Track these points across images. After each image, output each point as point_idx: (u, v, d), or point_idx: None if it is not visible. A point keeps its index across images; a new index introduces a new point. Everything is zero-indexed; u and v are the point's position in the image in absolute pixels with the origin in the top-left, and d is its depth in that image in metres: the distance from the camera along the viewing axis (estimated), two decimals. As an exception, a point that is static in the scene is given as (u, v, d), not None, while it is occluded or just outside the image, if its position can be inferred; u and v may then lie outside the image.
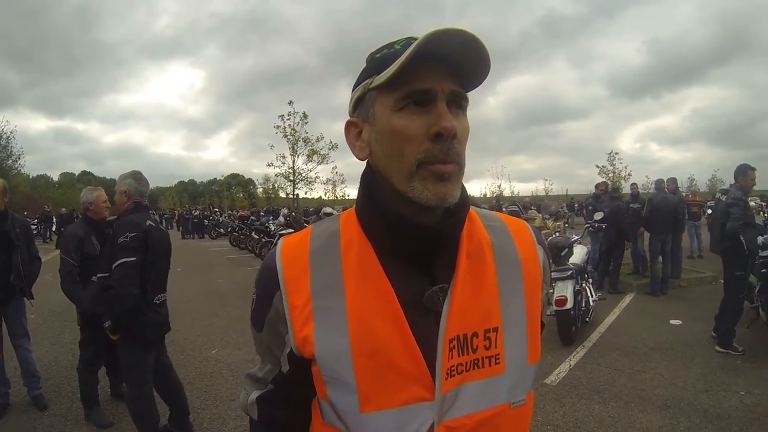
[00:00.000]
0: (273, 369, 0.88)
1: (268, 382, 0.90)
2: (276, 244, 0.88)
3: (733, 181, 5.48)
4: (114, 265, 2.92)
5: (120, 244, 2.94)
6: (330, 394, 0.76)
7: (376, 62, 0.76)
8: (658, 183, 8.59)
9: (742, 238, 4.95)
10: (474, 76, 0.75)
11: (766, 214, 14.69)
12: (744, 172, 5.30)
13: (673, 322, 6.35)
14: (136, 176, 3.23)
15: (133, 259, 2.95)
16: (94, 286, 3.19)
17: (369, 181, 0.81)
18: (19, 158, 39.33)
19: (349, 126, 0.82)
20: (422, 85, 0.71)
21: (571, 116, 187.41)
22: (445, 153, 0.71)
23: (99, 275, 3.13)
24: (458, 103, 0.75)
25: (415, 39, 0.74)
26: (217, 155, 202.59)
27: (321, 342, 0.75)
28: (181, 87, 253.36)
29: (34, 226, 19.79)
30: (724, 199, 5.48)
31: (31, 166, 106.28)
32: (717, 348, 5.14)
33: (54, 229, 25.07)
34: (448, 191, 0.73)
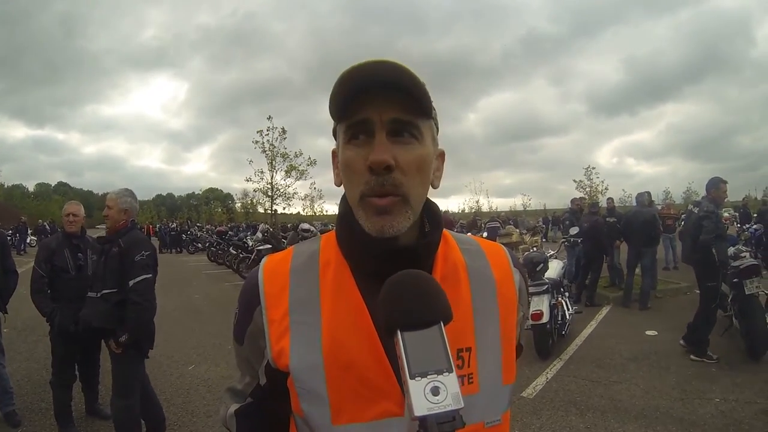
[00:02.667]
0: (251, 382, 0.89)
1: (246, 395, 0.91)
2: (260, 260, 0.91)
3: (705, 194, 5.62)
4: (134, 281, 3.06)
5: (138, 262, 3.08)
6: (303, 406, 0.77)
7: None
8: (637, 197, 8.72)
9: (713, 250, 5.07)
10: (416, 100, 0.74)
11: (738, 224, 15.02)
12: (716, 185, 5.46)
13: (648, 332, 6.46)
14: (133, 195, 3.35)
15: (151, 275, 3.17)
16: (102, 303, 3.12)
17: (345, 203, 0.84)
18: (-6, 167, 38.63)
19: (332, 154, 0.87)
20: (360, 116, 0.73)
21: (550, 132, 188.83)
22: (380, 185, 0.73)
23: (105, 291, 3.12)
24: (406, 131, 0.75)
25: None
26: (198, 169, 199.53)
27: (295, 355, 0.77)
28: (164, 99, 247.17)
29: (8, 237, 19.37)
30: (696, 211, 5.63)
31: (6, 175, 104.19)
32: (692, 357, 5.24)
33: (29, 240, 24.65)
34: (386, 223, 0.74)
